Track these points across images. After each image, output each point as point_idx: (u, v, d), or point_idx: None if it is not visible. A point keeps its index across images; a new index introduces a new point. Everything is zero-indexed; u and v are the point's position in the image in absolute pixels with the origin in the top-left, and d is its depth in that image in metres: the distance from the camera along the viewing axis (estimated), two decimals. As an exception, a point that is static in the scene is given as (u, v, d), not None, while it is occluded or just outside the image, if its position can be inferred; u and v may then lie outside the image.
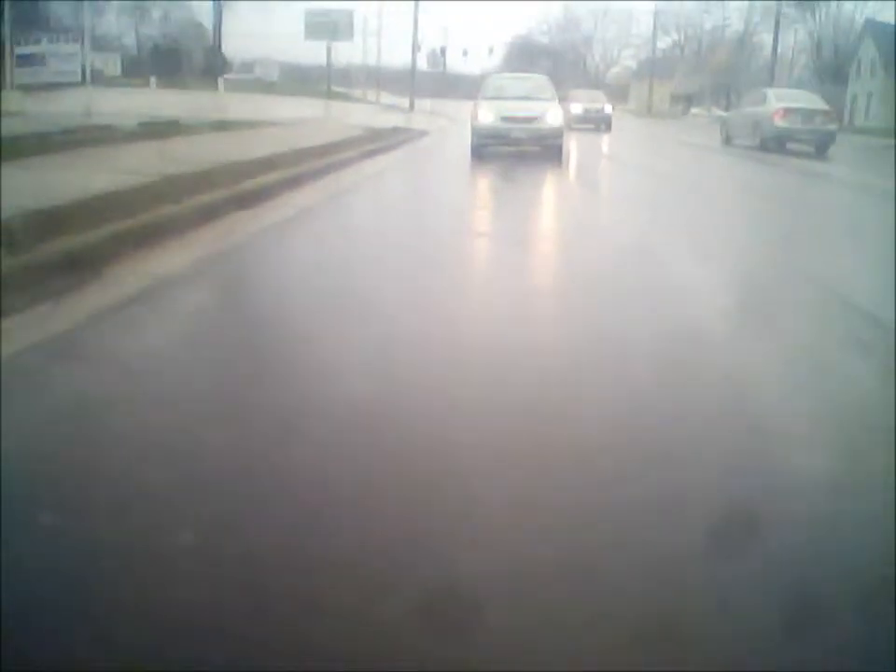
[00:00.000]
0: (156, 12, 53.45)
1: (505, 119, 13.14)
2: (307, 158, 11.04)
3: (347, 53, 50.39)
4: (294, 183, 9.13)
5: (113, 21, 55.16)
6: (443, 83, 43.49)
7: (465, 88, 40.26)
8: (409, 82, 41.28)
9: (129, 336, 3.85)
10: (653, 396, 3.16)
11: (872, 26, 42.91)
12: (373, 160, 13.05)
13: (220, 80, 24.32)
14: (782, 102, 17.45)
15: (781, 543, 2.08)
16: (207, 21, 46.70)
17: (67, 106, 17.21)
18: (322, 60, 41.53)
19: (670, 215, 8.94)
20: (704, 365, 3.62)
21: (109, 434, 2.70)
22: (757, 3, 51.41)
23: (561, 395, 3.15)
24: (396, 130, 19.66)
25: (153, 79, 18.82)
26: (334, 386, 3.10)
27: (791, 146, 17.93)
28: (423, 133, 20.40)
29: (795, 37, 50.88)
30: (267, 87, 38.01)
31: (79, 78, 18.71)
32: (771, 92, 18.61)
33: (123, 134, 13.16)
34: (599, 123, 27.19)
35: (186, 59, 42.70)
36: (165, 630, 1.67)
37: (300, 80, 50.04)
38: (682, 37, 62.53)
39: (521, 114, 13.15)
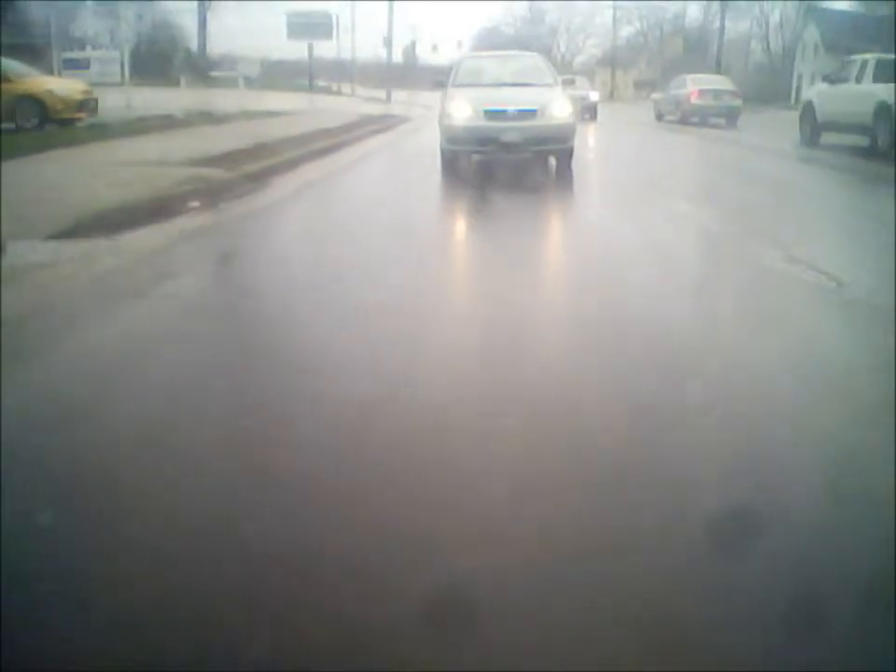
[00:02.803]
0: (131, 15, 58.18)
1: (490, 114, 10.09)
2: (333, 134, 16.11)
3: (319, 49, 55.36)
4: (336, 148, 14.21)
5: (89, 24, 59.87)
6: (415, 76, 48.37)
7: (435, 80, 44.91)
8: (378, 75, 46.49)
9: (306, 198, 8.98)
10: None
11: (814, 12, 48.58)
12: (379, 135, 18.21)
13: (241, 79, 29.33)
14: (697, 84, 22.93)
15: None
16: (189, 22, 51.58)
17: (111, 102, 22.00)
18: (295, 55, 47.15)
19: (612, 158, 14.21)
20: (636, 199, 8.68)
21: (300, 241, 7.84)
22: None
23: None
24: (384, 116, 24.75)
25: (183, 79, 23.44)
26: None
27: (711, 119, 23.19)
28: (406, 119, 25.44)
29: (752, 25, 56.46)
30: (250, 83, 42.65)
31: (119, 79, 23.58)
32: (689, 77, 23.96)
33: (180, 122, 18.10)
34: (584, 112, 23.99)
35: (168, 59, 47.56)
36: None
37: (276, 76, 54.87)
38: (645, 26, 67.73)
39: (512, 107, 10.12)
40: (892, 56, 13.68)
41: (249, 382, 3.48)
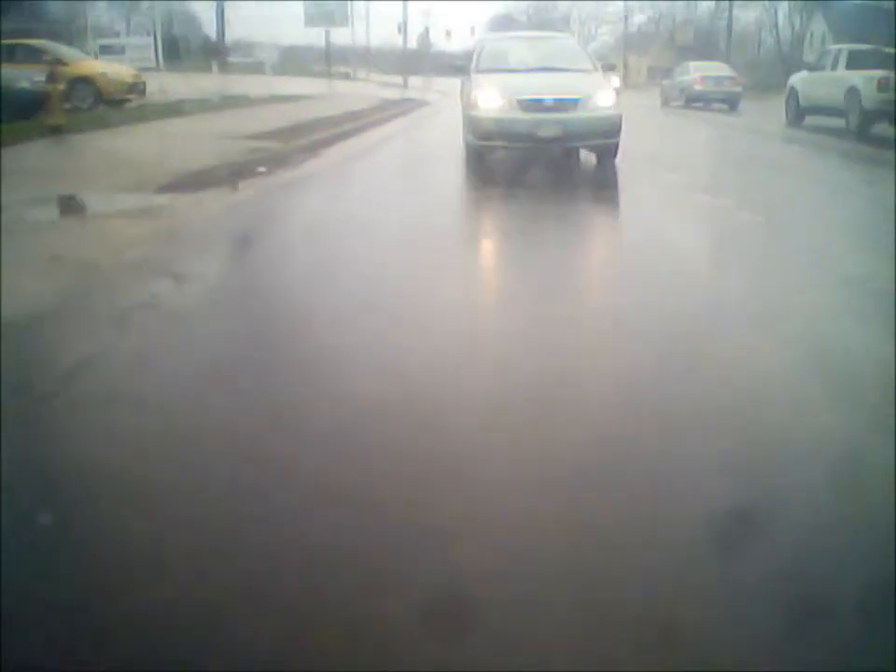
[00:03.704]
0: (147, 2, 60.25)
1: (525, 105, 9.06)
2: (362, 115, 17.98)
3: (333, 35, 57.27)
4: (367, 128, 16.09)
5: (104, 11, 61.96)
6: (429, 61, 50.05)
7: (449, 66, 46.47)
8: (392, 61, 48.41)
9: (353, 165, 10.90)
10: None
11: (822, 2, 50.15)
12: (403, 117, 20.12)
13: (267, 65, 31.32)
14: (699, 71, 24.78)
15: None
16: (200, 9, 53.61)
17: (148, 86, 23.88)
18: (305, 41, 49.33)
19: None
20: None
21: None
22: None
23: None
24: (404, 100, 26.61)
25: (215, 64, 25.29)
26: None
27: (714, 104, 24.98)
28: (425, 103, 27.26)
29: (762, 15, 57.99)
30: (276, 69, 44.31)
31: (154, 64, 25.48)
32: (692, 65, 25.81)
33: (219, 104, 19.95)
34: None
35: (187, 46, 49.58)
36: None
37: (290, 62, 56.70)
38: (656, 14, 69.13)
39: (551, 96, 9.09)
40: (864, 46, 15.58)
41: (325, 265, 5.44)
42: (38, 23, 29.00)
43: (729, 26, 44.40)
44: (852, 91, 14.14)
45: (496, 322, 4.37)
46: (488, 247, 6.66)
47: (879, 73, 13.74)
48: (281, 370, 3.51)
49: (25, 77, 14.11)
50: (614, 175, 9.54)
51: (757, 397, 3.24)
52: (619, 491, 2.50)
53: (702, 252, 5.98)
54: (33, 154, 10.28)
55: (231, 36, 54.07)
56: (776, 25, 54.87)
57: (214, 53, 44.14)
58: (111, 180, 8.46)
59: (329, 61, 45.22)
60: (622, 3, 64.23)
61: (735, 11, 53.37)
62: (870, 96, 13.66)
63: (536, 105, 9.06)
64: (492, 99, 9.24)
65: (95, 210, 7.32)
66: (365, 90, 33.37)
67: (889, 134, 13.29)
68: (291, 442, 2.77)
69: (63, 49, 18.91)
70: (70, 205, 7.54)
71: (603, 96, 9.26)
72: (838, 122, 15.09)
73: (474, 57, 10.70)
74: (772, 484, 2.56)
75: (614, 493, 2.49)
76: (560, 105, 9.07)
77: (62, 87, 12.92)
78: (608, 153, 9.54)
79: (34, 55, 17.29)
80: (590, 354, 3.80)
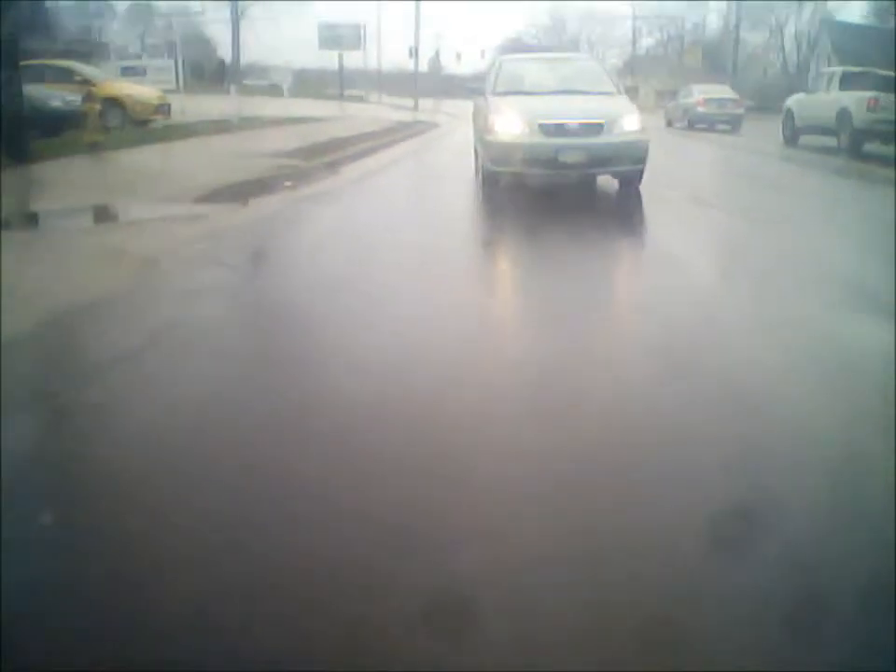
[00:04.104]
0: (161, 24, 61.77)
1: (547, 129, 8.81)
2: (376, 136, 18.90)
3: (346, 58, 58.62)
4: (381, 148, 17.00)
5: (118, 31, 63.54)
6: (440, 84, 51.11)
7: (459, 88, 47.40)
8: (403, 84, 49.58)
9: (370, 181, 11.79)
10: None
11: (828, 24, 51.11)
12: (415, 138, 21.04)
13: (285, 88, 32.46)
14: (702, 94, 25.72)
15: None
16: (216, 32, 55.00)
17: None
18: (317, 65, 50.78)
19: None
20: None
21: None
22: (734, 2, 59.57)
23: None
24: (415, 122, 27.60)
25: (233, 87, 26.15)
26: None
27: (718, 126, 25.91)
28: (436, 125, 28.23)
29: (769, 37, 59.07)
30: (285, 91, 45.51)
31: (174, 86, 26.47)
32: (696, 87, 26.76)
33: (238, 126, 20.89)
34: None
35: (199, 68, 50.86)
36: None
37: (302, 85, 57.98)
38: (665, 37, 70.22)
39: (574, 120, 8.84)
40: (856, 68, 16.48)
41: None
42: (60, 44, 30.09)
43: (735, 49, 45.46)
44: (844, 112, 15.00)
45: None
46: (503, 252, 7.47)
47: (869, 94, 14.60)
48: (316, 333, 4.46)
49: (57, 97, 15.11)
50: (639, 201, 9.24)
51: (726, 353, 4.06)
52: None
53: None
54: (76, 168, 11.21)
55: (245, 59, 55.58)
56: (782, 48, 56.01)
57: (231, 76, 45.41)
58: (154, 192, 9.33)
59: (342, 84, 46.38)
60: (629, 23, 65.32)
61: (743, 34, 54.55)
62: (860, 116, 14.51)
63: (558, 129, 8.78)
64: (512, 123, 8.95)
65: (149, 216, 8.16)
66: (377, 112, 34.41)
67: (879, 153, 14.16)
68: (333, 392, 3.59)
69: (90, 70, 19.91)
70: (122, 212, 8.44)
71: (629, 120, 8.97)
72: (831, 141, 15.93)
73: (491, 79, 10.42)
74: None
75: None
76: (584, 129, 8.77)
77: (98, 106, 13.86)
78: (632, 179, 9.25)
79: (63, 75, 18.30)
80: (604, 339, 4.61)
